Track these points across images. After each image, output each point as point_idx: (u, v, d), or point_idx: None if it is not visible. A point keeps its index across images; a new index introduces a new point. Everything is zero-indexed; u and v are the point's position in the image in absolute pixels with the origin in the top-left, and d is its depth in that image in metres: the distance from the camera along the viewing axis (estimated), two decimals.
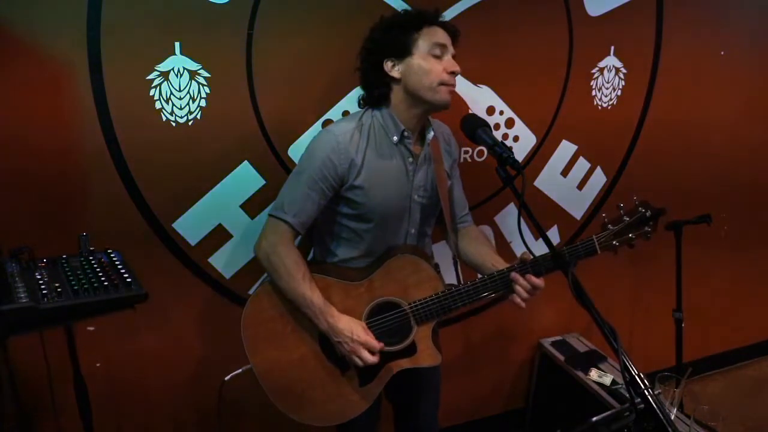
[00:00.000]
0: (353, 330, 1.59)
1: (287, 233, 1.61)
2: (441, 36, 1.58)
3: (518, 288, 1.60)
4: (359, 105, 1.71)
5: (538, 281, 1.59)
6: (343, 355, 1.64)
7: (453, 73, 1.58)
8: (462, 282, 1.68)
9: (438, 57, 1.57)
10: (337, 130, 1.63)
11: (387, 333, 1.66)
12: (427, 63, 1.56)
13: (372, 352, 1.60)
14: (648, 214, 1.68)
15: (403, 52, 1.58)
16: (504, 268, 1.64)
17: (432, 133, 1.69)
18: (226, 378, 1.71)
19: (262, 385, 1.66)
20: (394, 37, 1.58)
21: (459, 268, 1.72)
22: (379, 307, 1.66)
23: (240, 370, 1.70)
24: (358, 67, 1.66)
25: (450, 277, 1.78)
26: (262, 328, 1.66)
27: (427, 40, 1.57)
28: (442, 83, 1.57)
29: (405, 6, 1.95)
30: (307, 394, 1.68)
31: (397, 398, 1.98)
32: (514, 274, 1.61)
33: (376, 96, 1.64)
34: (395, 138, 1.63)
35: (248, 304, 1.66)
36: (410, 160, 1.66)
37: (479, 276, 1.67)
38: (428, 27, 1.58)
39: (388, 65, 1.59)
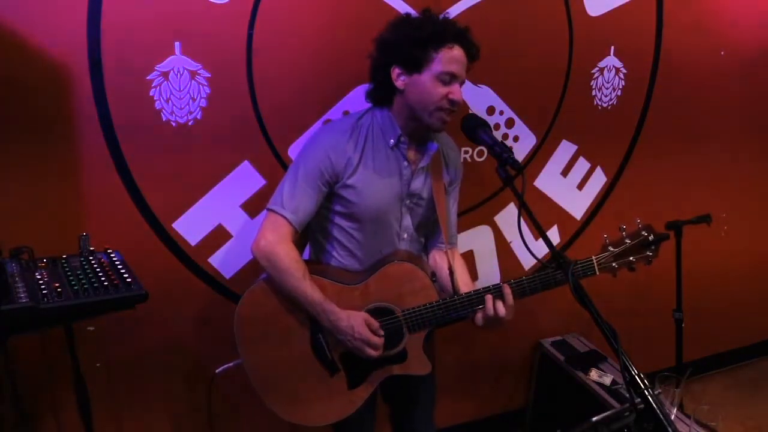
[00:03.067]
0: (354, 327, 1.59)
1: (286, 232, 1.61)
2: (457, 60, 1.54)
3: (489, 306, 1.59)
4: (366, 98, 1.70)
5: (504, 313, 1.58)
6: (350, 350, 1.64)
7: (453, 102, 1.55)
8: (456, 293, 1.66)
9: (445, 83, 1.54)
10: (336, 128, 1.63)
11: None
12: (431, 85, 1.53)
13: (374, 347, 1.60)
14: (651, 238, 1.64)
15: (413, 66, 1.54)
16: (499, 284, 1.61)
17: (436, 146, 1.68)
18: (217, 371, 1.72)
19: (251, 380, 1.67)
20: (411, 48, 1.53)
21: (455, 279, 1.70)
22: (373, 311, 1.65)
23: (231, 364, 1.71)
24: (370, 55, 1.63)
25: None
26: (255, 324, 1.66)
27: (441, 63, 1.52)
28: (439, 109, 1.55)
29: (405, 6, 1.94)
30: (295, 393, 1.68)
31: (394, 402, 1.98)
32: (488, 296, 1.59)
33: (380, 96, 1.64)
34: (392, 141, 1.63)
35: (243, 299, 1.66)
36: (405, 164, 1.65)
37: (474, 289, 1.65)
38: (449, 48, 1.52)
39: (395, 72, 1.57)
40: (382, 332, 1.62)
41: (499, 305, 1.58)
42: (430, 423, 1.99)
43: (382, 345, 1.62)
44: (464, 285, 1.72)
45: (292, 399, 1.68)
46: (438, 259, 1.84)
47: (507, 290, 1.59)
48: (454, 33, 1.54)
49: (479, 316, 1.61)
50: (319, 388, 1.68)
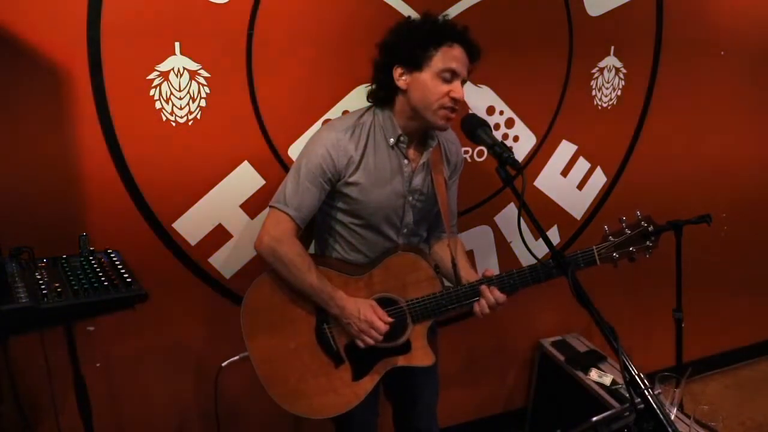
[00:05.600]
0: (360, 309, 1.62)
1: (289, 228, 1.62)
2: (457, 58, 1.54)
3: (489, 296, 1.62)
4: (367, 98, 1.70)
5: (502, 296, 1.62)
6: (353, 337, 1.65)
7: (455, 100, 1.56)
8: (460, 284, 1.68)
9: (447, 80, 1.54)
10: (338, 126, 1.64)
11: None
12: (432, 83, 1.54)
13: (378, 330, 1.62)
14: (650, 228, 1.66)
15: (414, 64, 1.55)
16: (503, 274, 1.64)
17: (436, 141, 1.69)
18: (224, 364, 1.73)
19: (256, 371, 1.67)
20: (411, 47, 1.54)
21: (458, 270, 1.72)
22: (378, 302, 1.67)
23: (237, 357, 1.72)
24: (373, 59, 1.65)
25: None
26: (261, 315, 1.67)
27: (441, 60, 1.53)
28: (441, 107, 1.56)
29: (405, 6, 1.94)
30: (299, 384, 1.69)
31: (396, 397, 1.99)
32: (483, 287, 1.62)
33: (382, 96, 1.64)
34: (391, 140, 1.64)
35: (249, 290, 1.68)
36: (405, 162, 1.66)
37: (477, 278, 1.67)
38: (448, 46, 1.53)
39: (397, 72, 1.58)
40: (388, 319, 1.64)
41: (496, 293, 1.62)
42: (432, 418, 1.99)
43: (385, 331, 1.63)
44: (467, 275, 1.73)
45: (296, 391, 1.69)
46: (438, 249, 1.85)
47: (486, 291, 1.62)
48: (454, 32, 1.55)
49: (477, 309, 1.63)
50: (323, 380, 1.69)
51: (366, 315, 1.62)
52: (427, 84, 1.54)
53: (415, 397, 1.94)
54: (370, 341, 1.63)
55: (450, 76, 1.54)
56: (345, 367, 1.70)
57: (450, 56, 1.54)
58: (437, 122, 1.59)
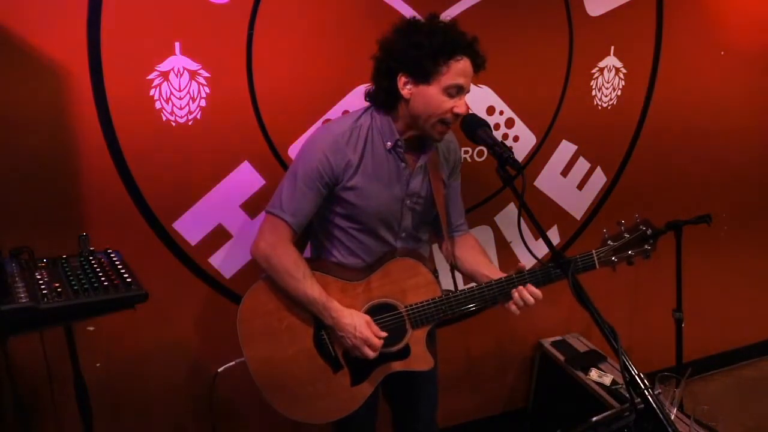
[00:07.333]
0: (356, 326, 1.60)
1: (285, 233, 1.61)
2: (465, 72, 1.52)
3: (517, 297, 1.59)
4: (366, 98, 1.68)
5: (538, 292, 1.59)
6: (347, 349, 1.65)
7: (457, 116, 1.55)
8: (459, 289, 1.68)
9: (452, 96, 1.53)
10: (335, 129, 1.62)
11: None
12: (438, 98, 1.52)
13: (373, 348, 1.61)
14: (649, 232, 1.66)
15: (422, 76, 1.52)
16: (502, 278, 1.63)
17: (434, 144, 1.68)
18: (219, 369, 1.74)
19: (253, 378, 1.67)
20: (420, 58, 1.50)
21: (456, 274, 1.71)
22: (376, 308, 1.67)
23: (233, 363, 1.72)
24: (374, 56, 1.60)
25: (447, 284, 1.78)
26: (258, 322, 1.66)
27: (450, 77, 1.50)
28: (440, 122, 1.55)
29: (406, 7, 1.94)
30: (297, 390, 1.69)
31: (395, 401, 1.98)
32: (519, 288, 1.60)
33: (382, 100, 1.61)
34: (389, 144, 1.62)
35: (246, 296, 1.67)
36: (403, 165, 1.65)
37: (475, 284, 1.67)
38: (457, 60, 1.50)
39: (401, 81, 1.54)
40: (383, 334, 1.63)
41: (526, 295, 1.59)
42: (432, 422, 1.99)
43: (380, 347, 1.62)
44: (488, 271, 1.70)
45: (294, 396, 1.69)
46: (461, 251, 1.82)
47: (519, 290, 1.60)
48: (464, 45, 1.52)
49: (513, 307, 1.62)
50: (321, 385, 1.69)
51: (361, 332, 1.60)
52: (433, 98, 1.53)
53: (415, 401, 1.93)
54: (364, 356, 1.62)
55: (456, 92, 1.53)
56: (343, 372, 1.69)
57: (458, 71, 1.51)
58: (432, 135, 1.59)
